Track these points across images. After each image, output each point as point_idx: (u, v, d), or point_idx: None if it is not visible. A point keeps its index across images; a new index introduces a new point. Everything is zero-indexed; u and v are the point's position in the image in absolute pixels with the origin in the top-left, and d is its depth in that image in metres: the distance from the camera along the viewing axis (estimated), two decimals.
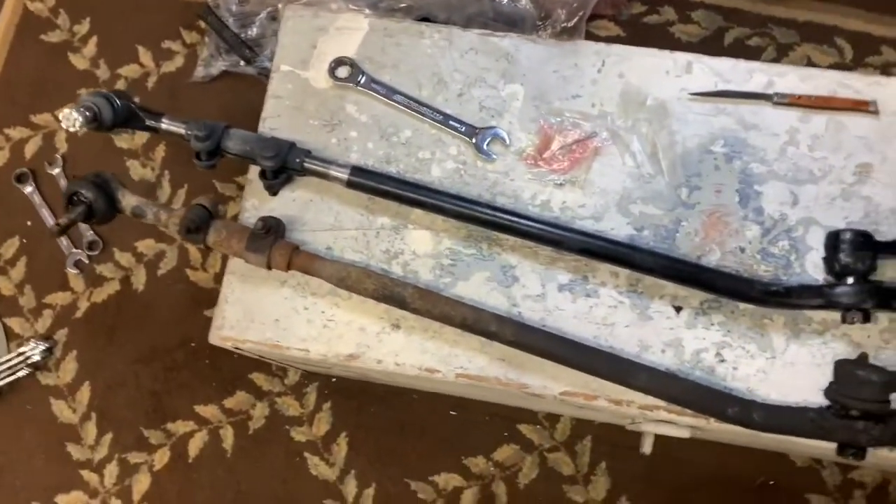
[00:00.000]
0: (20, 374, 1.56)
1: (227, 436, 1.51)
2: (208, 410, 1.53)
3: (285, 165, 1.06)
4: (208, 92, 1.69)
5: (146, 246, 1.63)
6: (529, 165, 1.09)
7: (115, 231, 1.62)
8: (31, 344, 1.57)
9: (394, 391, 1.50)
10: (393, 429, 1.49)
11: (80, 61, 1.75)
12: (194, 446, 1.51)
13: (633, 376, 0.97)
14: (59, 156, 1.69)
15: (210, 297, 1.48)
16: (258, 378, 1.53)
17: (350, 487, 1.47)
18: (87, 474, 1.51)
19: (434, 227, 1.07)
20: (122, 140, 1.68)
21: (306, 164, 1.06)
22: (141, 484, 1.50)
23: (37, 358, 1.56)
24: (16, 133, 1.72)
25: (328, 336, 1.05)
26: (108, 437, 1.53)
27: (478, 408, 1.48)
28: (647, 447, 1.12)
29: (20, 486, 1.53)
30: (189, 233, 1.03)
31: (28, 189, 1.68)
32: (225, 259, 1.12)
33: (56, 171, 1.68)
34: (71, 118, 1.00)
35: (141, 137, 1.68)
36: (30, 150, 1.71)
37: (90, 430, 1.54)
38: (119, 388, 1.56)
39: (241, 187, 1.57)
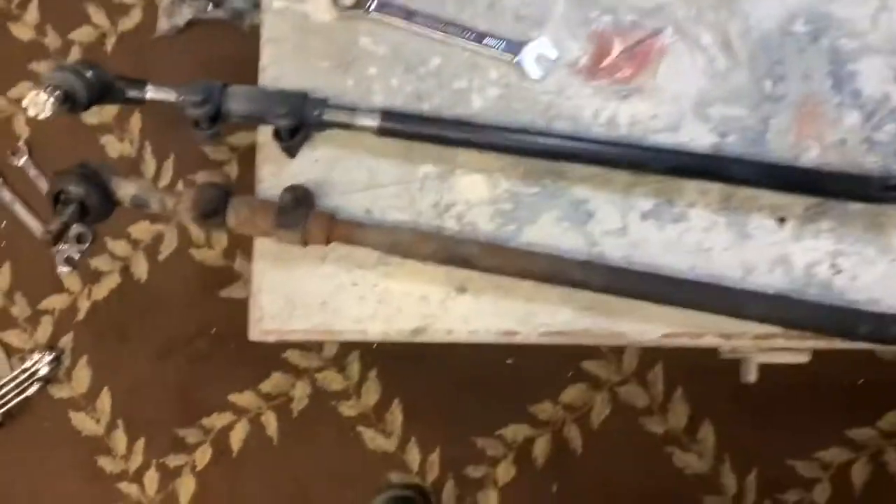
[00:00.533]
0: (30, 391, 1.43)
1: (270, 422, 1.40)
2: (244, 398, 1.41)
3: (302, 121, 0.90)
4: (177, 47, 1.50)
5: (141, 230, 1.47)
6: (586, 78, 0.93)
7: None
8: (36, 356, 1.43)
9: (440, 346, 1.37)
10: (448, 387, 1.38)
11: (23, 31, 1.54)
12: (236, 438, 1.40)
13: (745, 305, 0.84)
14: (22, 144, 1.50)
15: (221, 277, 1.34)
16: (293, 356, 1.41)
17: (413, 455, 1.37)
18: (126, 486, 1.41)
19: (486, 168, 0.92)
20: (91, 114, 1.49)
21: (326, 117, 0.90)
22: (186, 487, 1.40)
23: (45, 371, 1.43)
24: None
25: (386, 312, 0.91)
26: (141, 442, 1.42)
27: (535, 351, 1.35)
28: (752, 376, 1.01)
29: None
30: (206, 217, 0.87)
31: None
32: (233, 234, 0.97)
33: (23, 160, 1.50)
34: (39, 103, 0.82)
35: (111, 109, 1.49)
36: None
37: (119, 438, 1.42)
38: (141, 388, 1.44)
39: (233, 149, 1.41)
